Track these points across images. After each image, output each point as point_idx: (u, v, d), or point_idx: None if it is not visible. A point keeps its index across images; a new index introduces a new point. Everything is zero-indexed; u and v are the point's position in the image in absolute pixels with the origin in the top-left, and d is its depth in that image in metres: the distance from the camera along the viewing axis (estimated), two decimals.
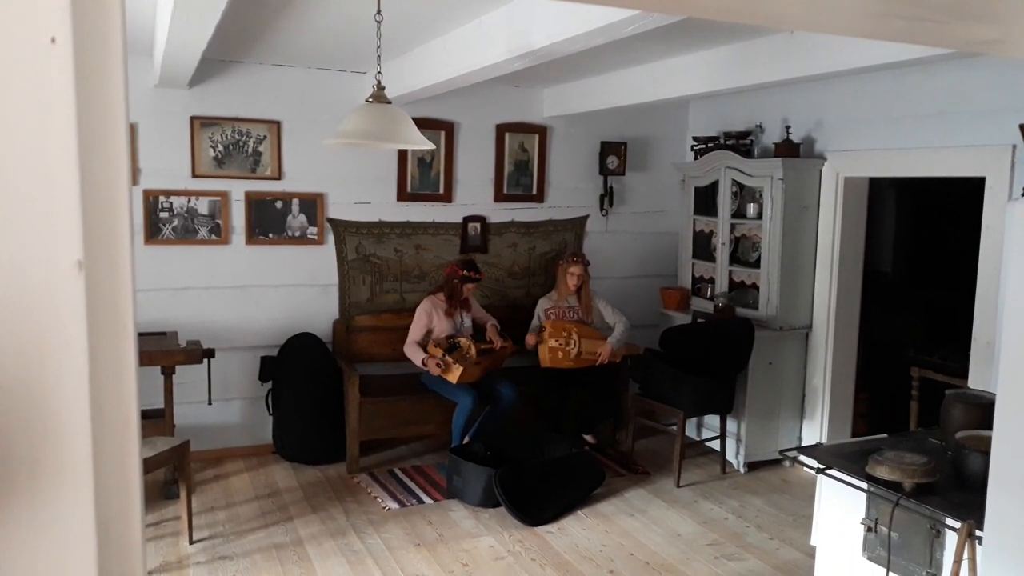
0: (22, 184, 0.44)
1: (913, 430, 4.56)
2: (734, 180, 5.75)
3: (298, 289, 5.75)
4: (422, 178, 5.98)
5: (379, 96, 3.49)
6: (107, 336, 0.47)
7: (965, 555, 2.68)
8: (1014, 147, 4.16)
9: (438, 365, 5.12)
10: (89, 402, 0.46)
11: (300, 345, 5.60)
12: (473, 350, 5.23)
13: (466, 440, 5.23)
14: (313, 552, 4.30)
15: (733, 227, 5.85)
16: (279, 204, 5.62)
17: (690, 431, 5.92)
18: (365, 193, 5.84)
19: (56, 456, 0.46)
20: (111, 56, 0.46)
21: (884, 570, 3.09)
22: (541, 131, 6.27)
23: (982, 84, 4.36)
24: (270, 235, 5.61)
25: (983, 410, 3.19)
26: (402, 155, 5.86)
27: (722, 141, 5.93)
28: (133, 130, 5.13)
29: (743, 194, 5.78)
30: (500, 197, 6.21)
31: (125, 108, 0.48)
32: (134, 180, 5.15)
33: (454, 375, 5.10)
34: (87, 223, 0.45)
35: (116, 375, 0.48)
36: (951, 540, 2.84)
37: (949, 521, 2.87)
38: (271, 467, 5.48)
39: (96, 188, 0.46)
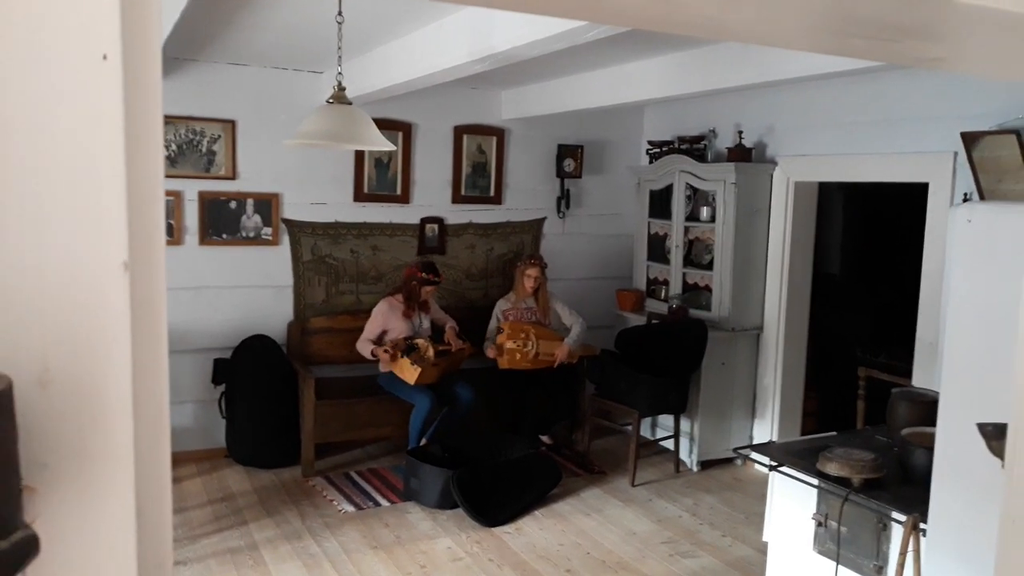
0: (76, 190, 0.46)
1: (861, 428, 4.71)
2: (688, 184, 5.87)
3: (252, 290, 5.69)
4: (379, 179, 5.98)
5: (340, 97, 3.50)
6: (145, 333, 0.50)
7: (910, 547, 2.80)
8: (955, 154, 4.33)
9: (386, 351, 5.12)
10: (132, 395, 0.49)
11: (254, 347, 5.54)
12: (431, 351, 5.25)
13: (423, 442, 5.25)
14: (268, 556, 4.27)
15: (687, 230, 5.97)
16: (233, 204, 5.56)
17: (645, 431, 6.02)
18: (321, 194, 5.81)
19: (101, 443, 0.49)
20: (152, 70, 0.49)
21: (834, 564, 3.20)
22: (499, 133, 6.31)
23: (925, 94, 4.54)
24: (224, 236, 5.55)
25: (927, 407, 3.32)
26: (359, 156, 5.85)
27: (676, 145, 6.05)
28: None
29: (696, 197, 5.90)
30: (458, 199, 6.24)
31: (161, 119, 0.51)
32: None
33: (412, 376, 5.11)
34: (131, 227, 0.48)
35: (153, 370, 0.51)
36: (897, 533, 2.95)
37: (895, 515, 2.99)
38: (224, 471, 5.42)
39: (138, 194, 0.48)
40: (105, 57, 0.46)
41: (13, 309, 0.46)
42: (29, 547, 0.46)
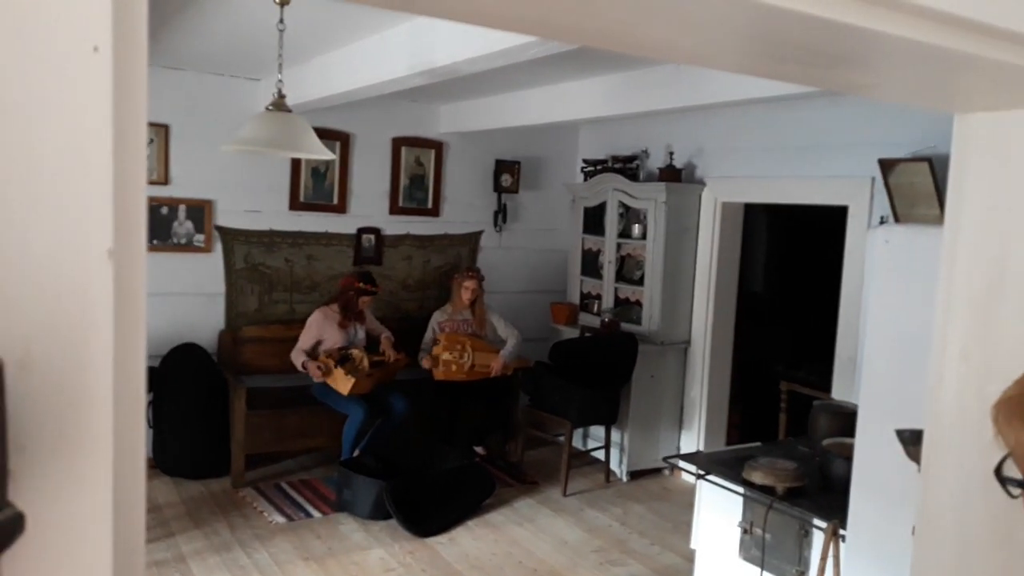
0: (64, 178, 0.48)
1: (783, 439, 4.87)
2: (620, 202, 6.00)
3: (183, 298, 5.58)
4: (316, 188, 5.94)
5: (280, 104, 3.48)
6: (127, 321, 0.52)
7: (831, 552, 2.92)
8: (873, 179, 4.54)
9: (319, 368, 5.08)
10: (113, 382, 0.50)
11: (183, 356, 5.43)
12: (365, 362, 5.22)
13: (356, 452, 5.21)
14: (197, 568, 4.18)
15: (619, 246, 6.10)
16: (165, 210, 5.45)
17: (577, 441, 6.10)
18: (256, 201, 5.74)
19: (81, 428, 0.50)
20: (140, 63, 0.51)
21: (759, 570, 3.31)
22: (437, 146, 6.35)
23: (846, 121, 4.75)
24: (154, 242, 5.43)
25: (846, 419, 3.47)
26: (295, 164, 5.80)
27: (610, 164, 6.18)
28: None
29: (629, 215, 6.03)
30: (396, 210, 6.24)
31: (146, 110, 0.53)
32: None
33: (345, 386, 5.07)
34: (116, 216, 0.50)
35: (132, 358, 0.52)
36: (818, 539, 3.08)
37: (816, 521, 3.11)
38: (151, 482, 5.27)
39: (123, 184, 0.50)
40: (96, 49, 0.48)
41: None
42: (15, 525, 0.47)
